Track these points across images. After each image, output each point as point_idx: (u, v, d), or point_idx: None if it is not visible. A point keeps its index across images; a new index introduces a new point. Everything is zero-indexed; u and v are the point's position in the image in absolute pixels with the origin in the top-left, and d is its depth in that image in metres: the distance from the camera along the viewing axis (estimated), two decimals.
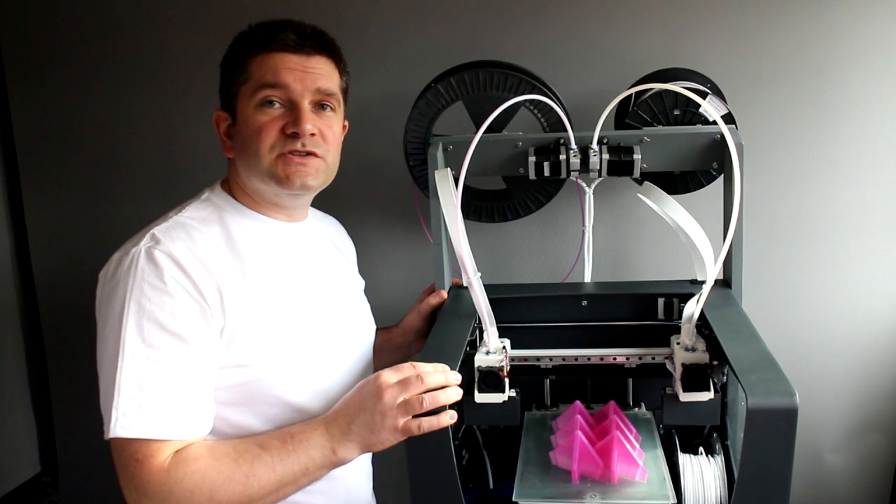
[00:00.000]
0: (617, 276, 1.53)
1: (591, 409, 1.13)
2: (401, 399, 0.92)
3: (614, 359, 1.13)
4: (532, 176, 1.23)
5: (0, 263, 1.70)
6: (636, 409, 1.20)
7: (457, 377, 0.95)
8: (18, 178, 1.70)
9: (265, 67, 1.02)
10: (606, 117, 1.18)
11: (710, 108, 1.13)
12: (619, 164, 1.19)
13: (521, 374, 1.13)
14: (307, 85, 1.03)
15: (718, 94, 1.37)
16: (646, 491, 0.96)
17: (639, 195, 1.18)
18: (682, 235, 1.12)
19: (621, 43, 1.46)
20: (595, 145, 1.19)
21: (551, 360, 1.15)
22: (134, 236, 1.00)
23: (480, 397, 1.03)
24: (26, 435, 1.78)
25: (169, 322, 0.93)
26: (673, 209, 1.13)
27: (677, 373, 1.01)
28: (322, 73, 1.05)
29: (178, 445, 0.92)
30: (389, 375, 0.94)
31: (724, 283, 1.21)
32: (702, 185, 1.34)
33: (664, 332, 1.12)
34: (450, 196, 1.12)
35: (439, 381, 0.94)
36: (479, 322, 1.08)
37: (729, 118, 1.27)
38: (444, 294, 1.25)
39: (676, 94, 1.23)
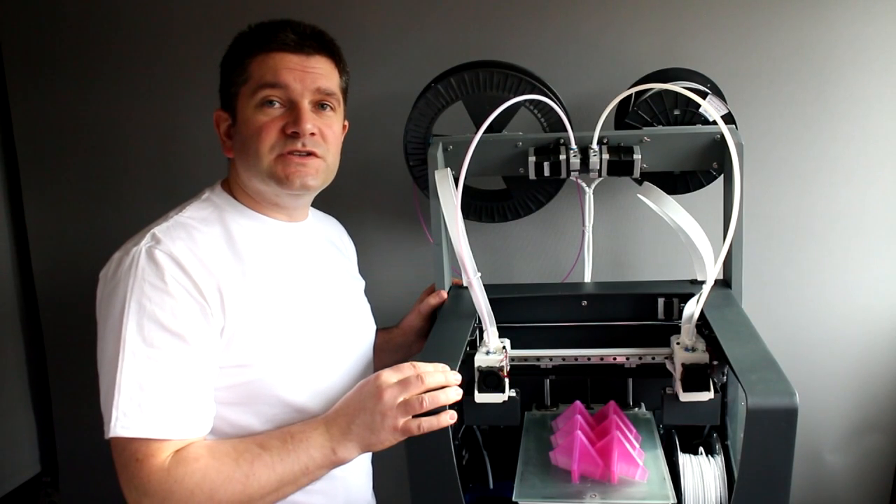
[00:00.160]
0: (617, 276, 1.53)
1: (591, 409, 1.13)
2: (401, 399, 0.92)
3: (614, 359, 1.13)
4: (532, 176, 1.23)
5: (0, 263, 1.70)
6: (636, 409, 1.20)
7: (457, 377, 0.95)
8: (18, 178, 1.71)
9: (265, 67, 1.02)
10: (606, 117, 1.18)
11: (710, 108, 1.13)
12: (619, 164, 1.19)
13: (521, 374, 1.13)
14: (307, 85, 1.03)
15: (718, 94, 1.37)
16: (646, 491, 0.96)
17: (639, 195, 1.18)
18: (682, 235, 1.12)
19: (621, 43, 1.46)
20: (595, 145, 1.19)
21: (551, 360, 1.15)
22: (134, 236, 1.00)
23: (480, 397, 1.03)
24: (26, 435, 1.78)
25: (169, 322, 0.93)
26: (673, 209, 1.13)
27: (677, 373, 1.01)
28: (322, 73, 1.05)
29: (178, 445, 0.92)
30: (389, 375, 0.94)
31: (724, 283, 1.21)
32: (702, 185, 1.34)
33: (664, 332, 1.12)
34: (450, 196, 1.12)
35: (439, 381, 0.94)
36: (479, 322, 1.08)
37: (729, 118, 1.27)
38: (444, 294, 1.25)
39: (676, 94, 1.23)
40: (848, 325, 1.50)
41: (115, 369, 0.91)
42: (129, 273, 0.94)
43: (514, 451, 1.08)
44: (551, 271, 1.55)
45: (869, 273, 1.48)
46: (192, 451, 0.92)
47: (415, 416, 0.92)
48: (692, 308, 1.04)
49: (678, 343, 1.04)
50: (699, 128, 1.23)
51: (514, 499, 0.97)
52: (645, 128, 1.25)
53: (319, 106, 1.06)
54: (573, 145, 1.20)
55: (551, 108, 1.22)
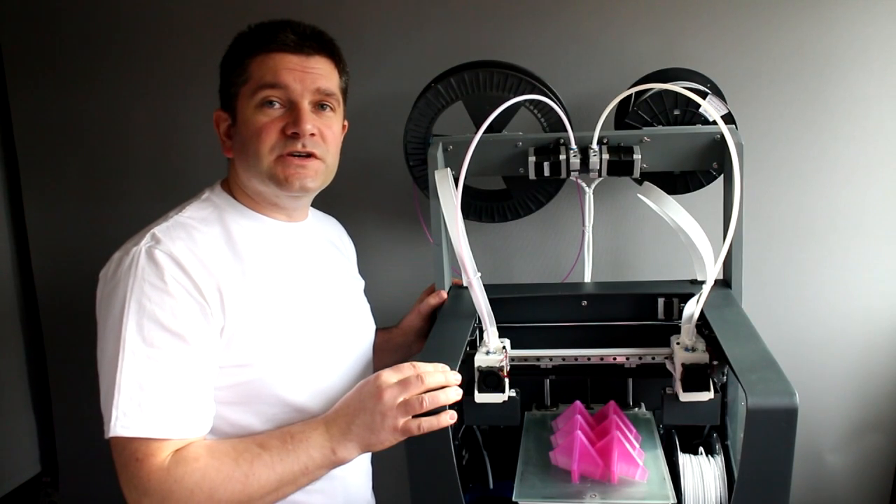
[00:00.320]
0: (617, 276, 1.53)
1: (591, 409, 1.13)
2: (401, 399, 0.92)
3: (614, 359, 1.13)
4: (532, 176, 1.23)
5: (0, 263, 1.70)
6: (636, 409, 1.20)
7: (457, 377, 0.95)
8: (18, 178, 1.71)
9: (265, 68, 1.02)
10: (606, 117, 1.18)
11: (710, 108, 1.13)
12: (619, 164, 1.19)
13: (521, 374, 1.13)
14: (307, 85, 1.03)
15: (718, 94, 1.37)
16: (646, 491, 0.96)
17: (639, 195, 1.18)
18: (682, 235, 1.12)
19: (621, 43, 1.46)
20: (595, 145, 1.19)
21: (551, 360, 1.15)
22: (134, 236, 1.00)
23: (480, 397, 1.03)
24: (26, 435, 1.78)
25: (169, 322, 0.93)
26: (673, 209, 1.13)
27: (677, 373, 1.01)
28: (322, 74, 1.05)
29: (178, 444, 0.92)
30: (389, 375, 0.94)
31: (724, 283, 1.21)
32: (702, 185, 1.34)
33: (664, 332, 1.12)
34: (450, 196, 1.12)
35: (439, 381, 0.94)
36: (479, 322, 1.08)
37: (729, 118, 1.27)
38: (444, 294, 1.25)
39: (676, 94, 1.23)
40: (848, 325, 1.50)
41: (115, 369, 0.91)
42: (129, 273, 0.94)
43: (514, 451, 1.08)
44: (551, 271, 1.55)
45: (869, 273, 1.48)
46: (192, 451, 0.92)
47: (415, 417, 0.92)
48: (692, 308, 1.04)
49: (678, 343, 1.04)
50: (699, 128, 1.23)
51: (514, 499, 0.97)
52: (645, 128, 1.25)
53: (319, 106, 1.06)
54: (573, 145, 1.20)
55: (551, 108, 1.22)
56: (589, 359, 1.14)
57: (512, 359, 1.11)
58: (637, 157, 1.19)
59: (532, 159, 1.21)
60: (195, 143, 1.60)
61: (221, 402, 0.99)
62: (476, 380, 1.03)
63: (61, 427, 1.78)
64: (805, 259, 1.49)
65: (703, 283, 1.06)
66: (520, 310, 1.22)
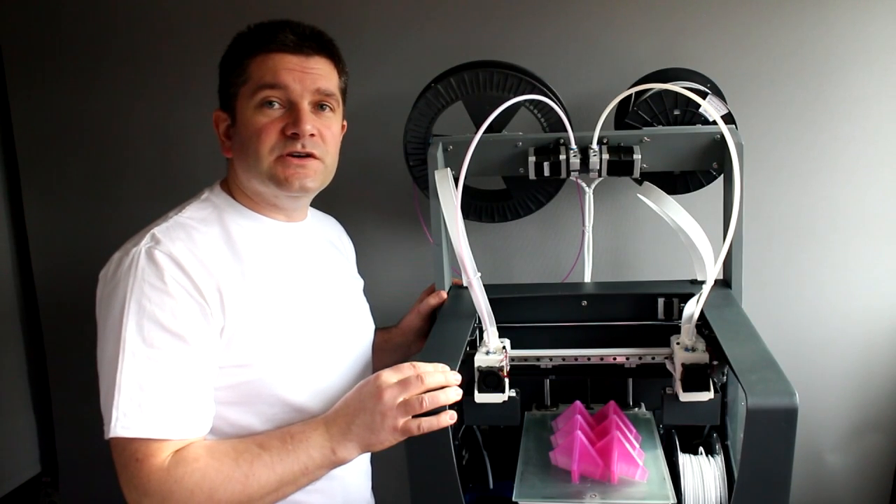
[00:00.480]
0: (617, 276, 1.53)
1: (591, 409, 1.13)
2: (400, 399, 0.92)
3: (614, 359, 1.13)
4: (532, 176, 1.23)
5: (0, 263, 1.70)
6: (636, 409, 1.20)
7: (457, 377, 0.95)
8: (18, 178, 1.71)
9: (264, 68, 1.02)
10: (606, 117, 1.18)
11: (710, 108, 1.13)
12: (619, 164, 1.19)
13: (521, 374, 1.13)
14: (306, 85, 1.03)
15: (718, 94, 1.37)
16: (646, 491, 0.96)
17: (639, 195, 1.18)
18: (682, 235, 1.12)
19: (621, 43, 1.46)
20: (595, 145, 1.19)
21: (551, 360, 1.15)
22: (134, 236, 1.00)
23: (480, 397, 1.03)
24: (26, 435, 1.78)
25: (169, 322, 0.93)
26: (673, 209, 1.13)
27: (677, 373, 1.01)
28: (321, 74, 1.05)
29: (178, 445, 0.92)
30: (389, 375, 0.94)
31: (724, 283, 1.21)
32: (702, 185, 1.34)
33: (664, 332, 1.12)
34: (450, 196, 1.12)
35: (439, 382, 0.94)
36: (479, 322, 1.08)
37: (729, 118, 1.27)
38: (444, 294, 1.25)
39: (676, 94, 1.23)
40: (848, 325, 1.50)
41: (115, 370, 0.91)
42: (128, 273, 0.94)
43: (514, 451, 1.08)
44: (551, 271, 1.55)
45: (869, 273, 1.48)
46: (192, 451, 0.92)
47: (415, 417, 0.92)
48: (692, 308, 1.04)
49: (678, 343, 1.04)
50: (699, 128, 1.23)
51: (514, 499, 0.97)
52: (645, 128, 1.25)
53: (319, 107, 1.06)
54: (573, 145, 1.20)
55: (551, 108, 1.22)
56: (589, 359, 1.14)
57: (512, 359, 1.11)
58: (637, 157, 1.19)
59: (532, 159, 1.21)
60: (195, 142, 1.60)
61: (221, 403, 0.99)
62: (476, 380, 1.03)
63: (61, 427, 1.78)
64: (805, 259, 1.49)
65: (703, 283, 1.06)
66: (520, 310, 1.22)
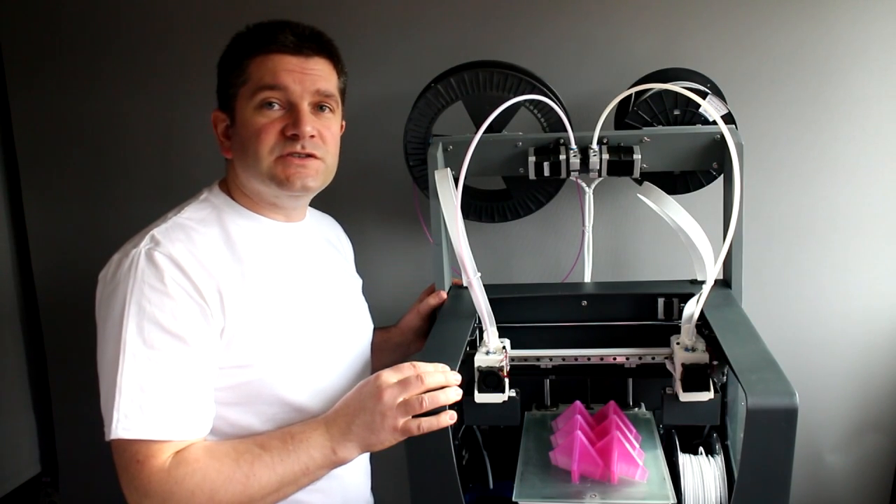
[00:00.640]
0: (617, 276, 1.53)
1: (591, 409, 1.13)
2: (400, 399, 0.92)
3: (614, 359, 1.13)
4: (532, 176, 1.23)
5: (0, 263, 1.70)
6: (636, 409, 1.20)
7: (457, 377, 0.95)
8: (18, 178, 1.71)
9: (264, 69, 1.02)
10: (606, 117, 1.18)
11: (710, 108, 1.13)
12: (619, 164, 1.19)
13: (521, 374, 1.13)
14: (307, 87, 1.03)
15: (718, 94, 1.37)
16: (646, 491, 0.96)
17: (639, 195, 1.18)
18: (682, 235, 1.12)
19: (621, 43, 1.46)
20: (595, 145, 1.19)
21: (551, 360, 1.15)
22: (133, 237, 1.00)
23: (480, 397, 1.03)
24: (26, 435, 1.78)
25: (169, 323, 0.93)
26: (673, 209, 1.13)
27: (677, 373, 1.01)
28: (321, 75, 1.05)
29: (179, 446, 0.92)
30: (389, 375, 0.94)
31: (724, 283, 1.21)
32: (702, 185, 1.34)
33: (664, 332, 1.12)
34: (450, 196, 1.12)
35: (439, 382, 0.94)
36: (479, 322, 1.08)
37: (729, 118, 1.27)
38: (444, 295, 1.25)
39: (676, 94, 1.23)
40: (848, 325, 1.50)
41: (115, 371, 0.91)
42: (128, 275, 0.94)
43: (514, 451, 1.08)
44: (551, 271, 1.55)
45: (869, 273, 1.48)
46: (193, 452, 0.92)
47: (415, 417, 0.92)
48: (692, 308, 1.04)
49: (678, 343, 1.04)
50: (699, 128, 1.23)
51: (514, 499, 0.97)
52: (645, 128, 1.25)
53: (318, 107, 1.06)
54: (573, 145, 1.20)
55: (551, 108, 1.22)
56: (589, 359, 1.14)
57: (512, 359, 1.11)
58: (637, 157, 1.19)
59: (532, 159, 1.21)
60: (195, 142, 1.60)
61: (221, 403, 0.99)
62: (476, 380, 1.03)
63: (61, 427, 1.78)
64: (805, 259, 1.49)
65: (703, 283, 1.06)
66: (520, 310, 1.22)
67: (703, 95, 1.25)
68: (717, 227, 1.19)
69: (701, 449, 1.06)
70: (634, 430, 1.07)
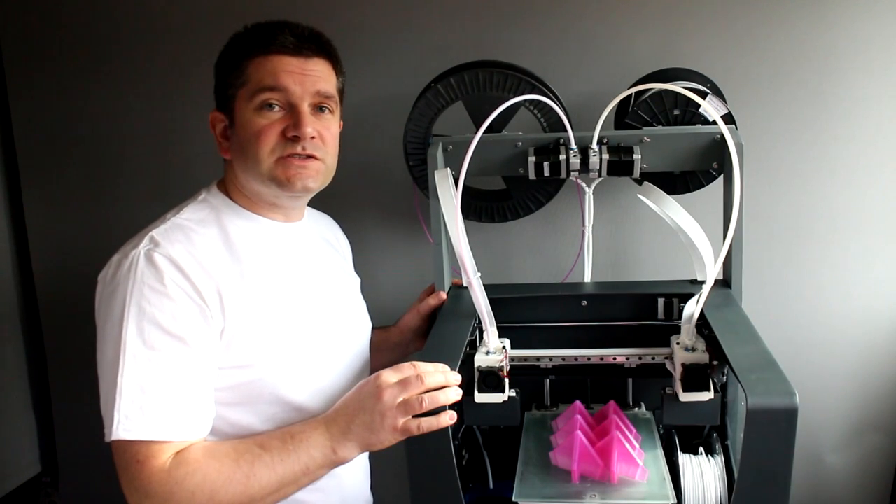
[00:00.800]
0: (617, 276, 1.53)
1: (591, 409, 1.13)
2: (400, 399, 0.92)
3: (614, 359, 1.13)
4: (532, 176, 1.23)
5: (0, 263, 1.70)
6: (636, 409, 1.20)
7: (457, 377, 0.95)
8: (18, 178, 1.71)
9: (263, 70, 1.02)
10: (606, 117, 1.18)
11: (710, 108, 1.13)
12: (619, 164, 1.19)
13: (521, 374, 1.13)
14: (306, 88, 1.03)
15: (718, 94, 1.37)
16: (646, 491, 0.97)
17: (639, 195, 1.18)
18: (682, 235, 1.12)
19: (621, 43, 1.46)
20: (595, 145, 1.19)
21: (551, 360, 1.15)
22: (133, 238, 1.00)
23: (480, 397, 1.03)
24: (26, 435, 1.78)
25: (169, 324, 0.93)
26: (673, 209, 1.13)
27: (677, 373, 1.01)
28: (321, 76, 1.05)
29: (179, 446, 0.92)
30: (389, 375, 0.94)
31: (724, 283, 1.21)
32: (702, 185, 1.34)
33: (664, 332, 1.12)
34: (450, 196, 1.12)
35: (439, 382, 0.94)
36: (479, 322, 1.08)
37: (729, 118, 1.27)
38: (444, 295, 1.25)
39: (676, 94, 1.23)
40: (848, 325, 1.50)
41: (115, 372, 0.91)
42: (128, 276, 0.94)
43: (514, 451, 1.08)
44: (551, 271, 1.55)
45: (869, 273, 1.48)
46: (193, 453, 0.92)
47: (414, 417, 0.92)
48: (692, 308, 1.04)
49: (678, 343, 1.04)
50: (699, 128, 1.23)
51: (514, 499, 0.97)
52: (645, 128, 1.25)
53: (318, 108, 1.05)
54: (573, 145, 1.20)
55: (551, 108, 1.22)
56: (589, 359, 1.14)
57: (512, 359, 1.11)
58: (637, 157, 1.19)
59: (532, 159, 1.21)
60: (195, 143, 1.59)
61: (221, 403, 0.99)
62: (476, 380, 1.03)
63: (61, 427, 1.78)
64: (805, 259, 1.49)
65: (703, 283, 1.06)
66: (520, 310, 1.22)
67: (703, 95, 1.25)
68: (717, 227, 1.19)
69: (701, 449, 1.06)
70: (634, 430, 1.07)
